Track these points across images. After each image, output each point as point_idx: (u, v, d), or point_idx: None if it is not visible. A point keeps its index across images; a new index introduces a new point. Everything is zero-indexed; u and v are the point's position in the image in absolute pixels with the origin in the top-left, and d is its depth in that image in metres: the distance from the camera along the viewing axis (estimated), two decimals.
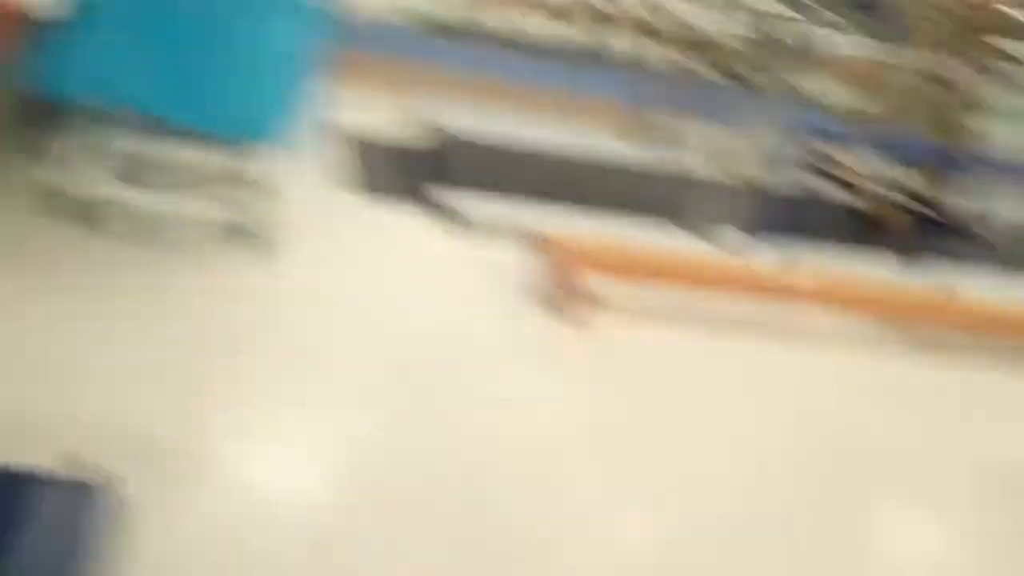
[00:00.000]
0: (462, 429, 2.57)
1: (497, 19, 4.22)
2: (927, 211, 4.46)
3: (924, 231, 4.27)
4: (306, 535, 2.07)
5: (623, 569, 2.21)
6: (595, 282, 3.31)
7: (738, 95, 3.87)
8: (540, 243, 3.42)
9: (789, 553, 2.38)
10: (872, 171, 4.76)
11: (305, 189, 3.66)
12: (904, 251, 4.10)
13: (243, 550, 1.98)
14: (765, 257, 3.76)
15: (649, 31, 5.38)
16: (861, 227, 4.53)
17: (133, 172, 3.17)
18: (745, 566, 2.30)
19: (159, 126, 3.09)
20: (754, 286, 3.53)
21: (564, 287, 3.29)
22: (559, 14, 5.67)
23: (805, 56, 5.17)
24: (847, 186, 4.69)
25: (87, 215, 3.08)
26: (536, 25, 5.55)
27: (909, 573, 2.49)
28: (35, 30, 2.99)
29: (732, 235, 3.94)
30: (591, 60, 5.76)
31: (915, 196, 4.64)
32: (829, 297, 3.59)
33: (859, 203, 4.65)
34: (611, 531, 2.35)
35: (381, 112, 4.56)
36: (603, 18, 5.80)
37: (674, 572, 2.25)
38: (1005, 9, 4.94)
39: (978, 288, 3.96)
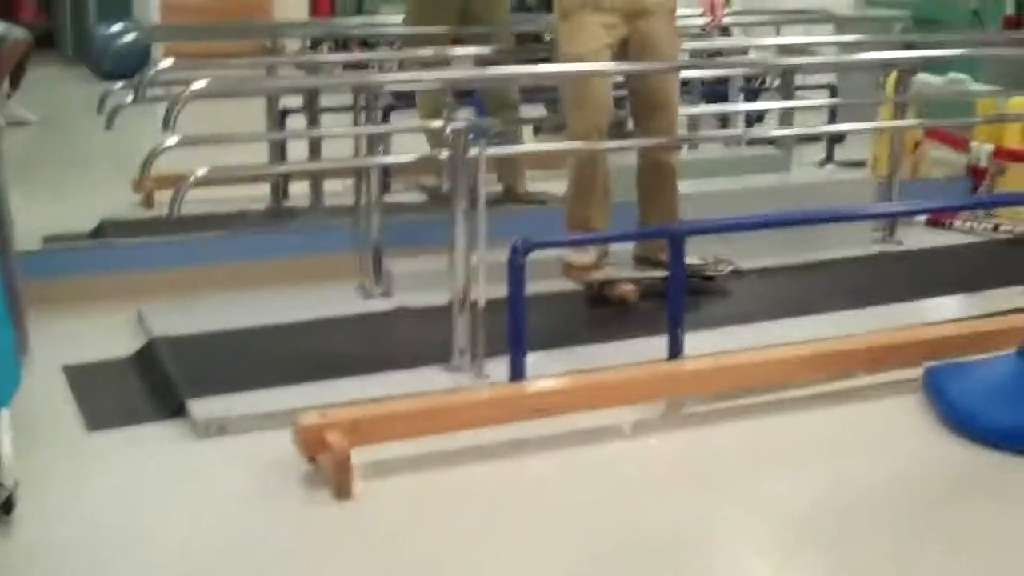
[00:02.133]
0: None
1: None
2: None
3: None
4: None
5: None
6: (359, 450, 3.21)
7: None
8: (296, 423, 3.30)
9: None
10: None
11: (39, 438, 3.44)
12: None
13: None
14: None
15: None
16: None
17: None
18: None
19: None
20: (506, 408, 3.53)
21: (330, 463, 3.18)
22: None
23: None
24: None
25: None
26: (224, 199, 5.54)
27: None
28: None
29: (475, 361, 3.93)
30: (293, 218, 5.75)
31: None
32: (579, 397, 3.63)
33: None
34: None
35: (96, 336, 4.36)
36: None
37: None
38: None
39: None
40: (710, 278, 4.87)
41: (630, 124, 4.97)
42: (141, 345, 4.26)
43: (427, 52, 5.63)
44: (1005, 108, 6.16)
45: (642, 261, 4.87)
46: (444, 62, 5.48)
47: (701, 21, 5.31)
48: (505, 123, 5.90)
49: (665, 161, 4.80)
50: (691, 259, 4.72)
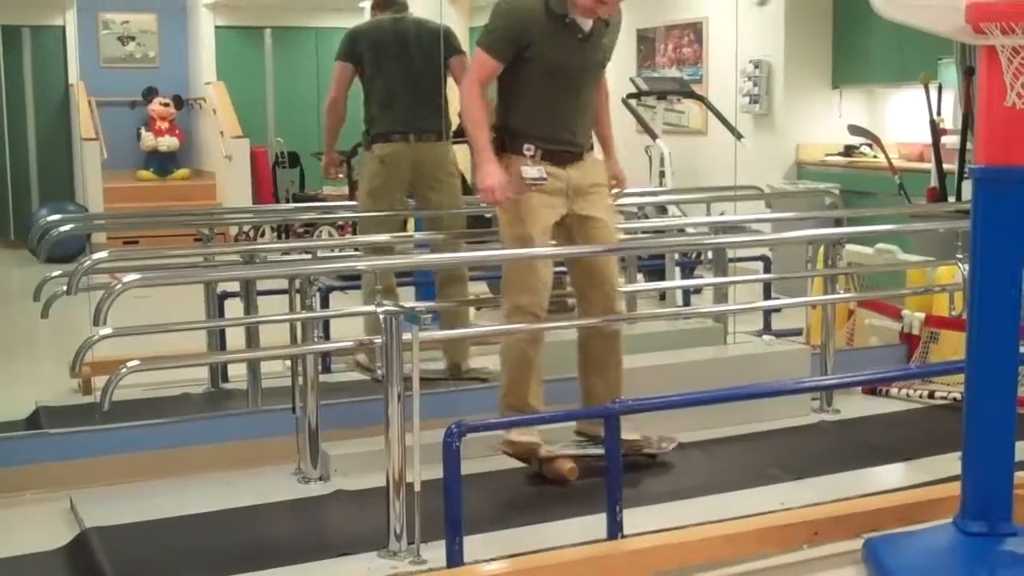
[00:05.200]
0: None
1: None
2: None
3: None
4: None
5: None
6: None
7: None
8: None
9: None
10: None
11: None
12: None
13: None
14: None
15: None
16: None
17: None
18: None
19: None
20: None
21: None
22: None
23: None
24: None
25: None
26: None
27: None
28: None
29: None
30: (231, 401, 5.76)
31: None
32: None
33: None
34: None
35: (29, 527, 4.31)
36: None
37: None
38: None
39: None
40: (652, 456, 4.87)
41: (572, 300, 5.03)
42: (73, 536, 4.18)
43: (384, 237, 5.75)
44: (934, 277, 6.30)
45: (583, 436, 4.85)
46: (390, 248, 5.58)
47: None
48: (451, 298, 5.99)
49: (610, 329, 4.85)
50: (632, 435, 4.73)
